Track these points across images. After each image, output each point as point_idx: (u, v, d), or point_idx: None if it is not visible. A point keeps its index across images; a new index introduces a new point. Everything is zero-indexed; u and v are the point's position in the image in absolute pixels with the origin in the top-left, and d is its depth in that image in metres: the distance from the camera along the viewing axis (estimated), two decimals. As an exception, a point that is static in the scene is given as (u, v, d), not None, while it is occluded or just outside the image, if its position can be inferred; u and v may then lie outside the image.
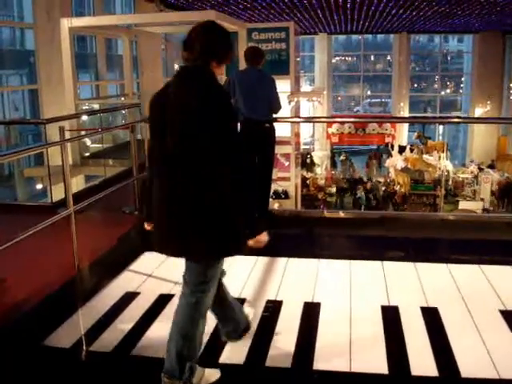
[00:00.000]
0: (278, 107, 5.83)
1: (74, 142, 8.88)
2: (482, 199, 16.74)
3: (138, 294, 4.03)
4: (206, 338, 3.03)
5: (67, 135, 7.64)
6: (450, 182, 18.43)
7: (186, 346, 2.77)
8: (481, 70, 27.39)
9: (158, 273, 4.43)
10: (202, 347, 2.93)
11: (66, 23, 9.68)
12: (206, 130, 2.62)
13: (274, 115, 5.87)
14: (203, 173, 2.67)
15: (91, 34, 13.65)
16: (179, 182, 2.69)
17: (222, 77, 3.58)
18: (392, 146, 22.22)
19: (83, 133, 9.56)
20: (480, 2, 16.94)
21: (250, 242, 2.89)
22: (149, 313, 3.73)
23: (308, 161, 20.11)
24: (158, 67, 14.01)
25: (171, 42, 17.68)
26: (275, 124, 5.92)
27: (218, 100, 2.66)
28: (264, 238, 2.93)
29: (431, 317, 3.59)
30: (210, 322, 3.10)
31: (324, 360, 3.12)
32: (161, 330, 3.44)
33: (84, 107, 11.31)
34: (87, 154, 10.72)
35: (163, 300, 3.89)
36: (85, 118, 10.41)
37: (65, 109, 9.74)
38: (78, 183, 9.62)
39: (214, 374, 2.98)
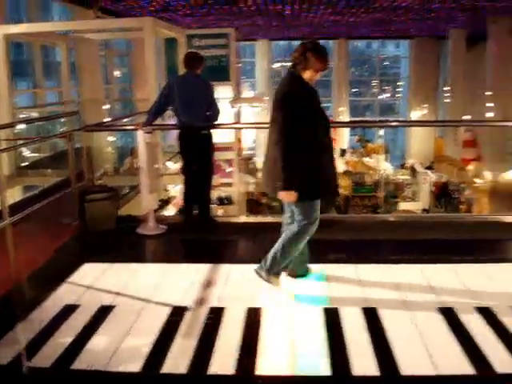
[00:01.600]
0: (216, 114, 5.82)
1: (10, 151, 8.62)
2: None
3: (77, 306, 3.94)
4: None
5: (3, 145, 7.45)
6: (391, 184, 18.86)
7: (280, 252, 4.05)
8: (417, 75, 28.17)
9: (98, 284, 4.35)
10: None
11: (1, 30, 9.42)
12: None
13: (216, 122, 5.87)
14: None
15: (28, 41, 13.32)
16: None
17: None
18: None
19: (20, 142, 9.31)
20: (415, 9, 17.44)
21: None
22: (89, 325, 3.65)
23: (251, 166, 20.18)
24: (96, 74, 13.79)
25: (111, 49, 17.44)
26: (218, 130, 5.94)
27: None
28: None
29: (371, 317, 3.65)
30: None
31: (267, 365, 3.13)
32: (101, 342, 3.39)
33: (22, 116, 11.02)
34: (24, 164, 10.45)
35: (104, 312, 3.82)
36: (22, 126, 10.14)
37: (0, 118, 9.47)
38: (14, 194, 9.36)
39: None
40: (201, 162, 5.83)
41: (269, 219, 6.45)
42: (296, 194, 3.86)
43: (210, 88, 5.85)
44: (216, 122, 5.93)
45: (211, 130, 5.87)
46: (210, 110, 5.78)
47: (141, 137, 5.62)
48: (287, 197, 3.91)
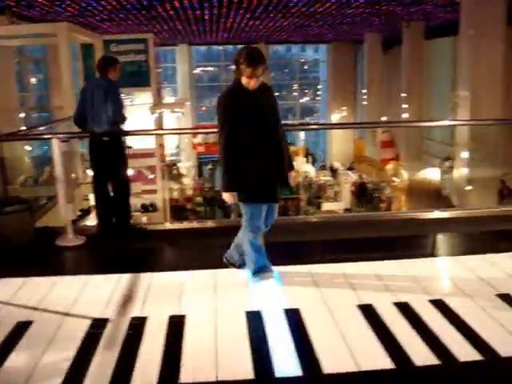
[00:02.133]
0: (120, 119, 5.67)
1: None
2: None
3: (-7, 323, 3.77)
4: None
5: None
6: (314, 185, 19.21)
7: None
8: (335, 78, 28.87)
9: (14, 299, 4.17)
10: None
11: None
12: None
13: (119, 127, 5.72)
14: None
15: None
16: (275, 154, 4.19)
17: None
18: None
19: None
20: (332, 14, 17.84)
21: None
22: (6, 343, 3.50)
23: (175, 172, 20.03)
24: (10, 82, 13.31)
25: (26, 56, 16.86)
26: (139, 136, 5.81)
27: None
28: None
29: (294, 318, 3.69)
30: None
31: (191, 372, 3.10)
32: (19, 360, 3.26)
33: None
34: None
35: (21, 328, 3.67)
36: None
37: None
38: None
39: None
40: (111, 171, 5.70)
41: (194, 225, 6.42)
42: (236, 195, 4.14)
43: (114, 92, 5.68)
44: (127, 128, 5.79)
45: (127, 137, 5.70)
46: (115, 116, 5.61)
47: (56, 146, 5.46)
48: (228, 197, 4.18)
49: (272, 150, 4.12)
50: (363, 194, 18.56)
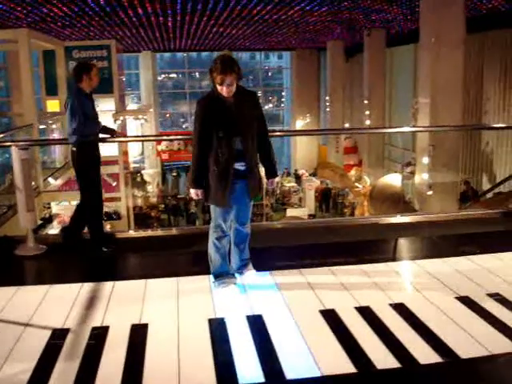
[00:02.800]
0: (68, 129, 5.39)
1: None
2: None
3: None
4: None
5: None
6: (279, 192, 19.31)
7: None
8: (299, 85, 29.11)
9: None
10: None
11: None
12: None
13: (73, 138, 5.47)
14: None
15: None
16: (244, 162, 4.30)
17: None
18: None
19: None
20: (294, 22, 18.01)
21: None
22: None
23: (138, 179, 19.89)
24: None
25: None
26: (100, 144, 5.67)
27: None
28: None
29: (257, 324, 3.70)
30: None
31: (153, 382, 3.07)
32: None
33: None
34: None
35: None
36: None
37: None
38: None
39: None
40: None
41: (158, 233, 6.37)
42: (201, 193, 4.32)
43: (68, 100, 5.45)
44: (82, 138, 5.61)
45: (89, 145, 5.51)
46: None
47: (15, 153, 5.35)
48: (194, 193, 4.40)
49: (239, 157, 4.20)
50: (326, 199, 18.73)
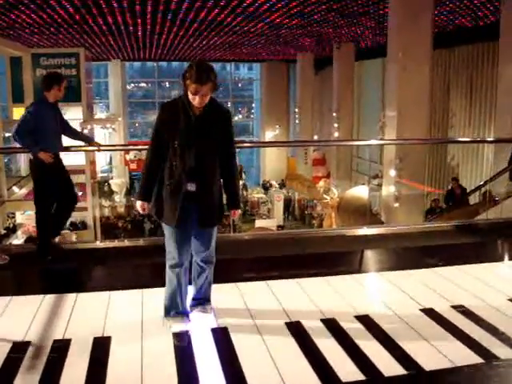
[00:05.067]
0: (12, 131, 5.38)
1: None
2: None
3: None
4: None
5: None
6: (247, 202, 19.33)
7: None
8: (269, 96, 29.26)
9: None
10: None
11: None
12: None
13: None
14: None
15: None
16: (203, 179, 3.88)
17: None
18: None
19: None
20: (264, 34, 18.11)
21: None
22: None
23: (106, 189, 19.68)
24: None
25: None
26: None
27: None
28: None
29: (222, 337, 3.66)
30: None
31: (115, 396, 3.02)
32: None
33: None
34: None
35: None
36: None
37: None
38: None
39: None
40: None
41: (125, 243, 6.29)
42: (148, 207, 3.92)
43: (31, 110, 5.38)
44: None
45: (40, 155, 5.42)
46: None
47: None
48: (139, 206, 3.96)
49: (191, 176, 3.76)
50: (288, 208, 18.87)
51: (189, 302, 4.04)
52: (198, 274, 4.01)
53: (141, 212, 4.01)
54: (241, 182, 21.19)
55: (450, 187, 15.06)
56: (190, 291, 4.07)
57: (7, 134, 12.88)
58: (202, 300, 4.05)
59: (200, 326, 3.83)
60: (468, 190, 14.19)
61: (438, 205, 14.77)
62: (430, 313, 4.10)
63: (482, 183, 12.75)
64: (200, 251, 3.94)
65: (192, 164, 3.72)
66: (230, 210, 4.10)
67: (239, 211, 4.17)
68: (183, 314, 3.91)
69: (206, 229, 3.90)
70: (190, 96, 3.66)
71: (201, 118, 3.76)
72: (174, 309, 3.91)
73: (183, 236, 3.84)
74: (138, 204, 3.95)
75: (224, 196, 4.01)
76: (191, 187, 3.74)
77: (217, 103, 3.89)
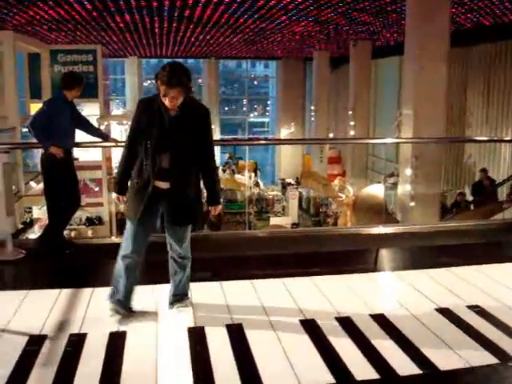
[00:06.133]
0: (28, 122, 5.58)
1: None
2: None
3: None
4: None
5: None
6: (263, 200, 19.34)
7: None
8: (284, 94, 29.19)
9: None
10: None
11: None
12: None
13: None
14: None
15: None
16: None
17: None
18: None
19: None
20: (281, 31, 18.08)
21: None
22: None
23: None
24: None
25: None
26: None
27: None
28: None
29: (236, 333, 3.67)
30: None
31: (130, 390, 3.04)
32: None
33: None
34: None
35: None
36: None
37: None
38: None
39: None
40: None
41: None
42: (123, 199, 4.04)
43: (47, 107, 5.56)
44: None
45: (51, 149, 5.48)
46: None
47: (-4, 157, 5.30)
48: (115, 198, 4.13)
49: (164, 175, 3.80)
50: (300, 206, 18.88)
51: (166, 299, 4.11)
52: (175, 270, 4.05)
53: (116, 201, 4.20)
54: (253, 180, 21.18)
55: (477, 179, 14.88)
56: (167, 289, 4.15)
57: (24, 130, 12.99)
58: (181, 296, 4.07)
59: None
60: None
61: (464, 198, 14.60)
62: (445, 313, 4.07)
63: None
64: (175, 248, 4.00)
65: (166, 165, 3.76)
66: (210, 207, 4.14)
67: (219, 206, 4.20)
68: (124, 305, 3.95)
69: (179, 227, 3.94)
70: (162, 97, 3.66)
71: (176, 119, 3.75)
72: (116, 295, 3.96)
73: (141, 233, 3.92)
74: (114, 196, 4.15)
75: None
76: (164, 185, 3.80)
77: (194, 102, 3.88)
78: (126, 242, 3.95)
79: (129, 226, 3.93)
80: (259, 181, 22.44)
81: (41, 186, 13.51)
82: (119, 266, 3.97)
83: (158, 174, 3.76)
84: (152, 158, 3.74)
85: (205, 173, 3.97)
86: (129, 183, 4.00)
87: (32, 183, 13.46)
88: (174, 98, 3.62)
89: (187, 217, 3.95)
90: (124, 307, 3.94)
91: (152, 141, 3.72)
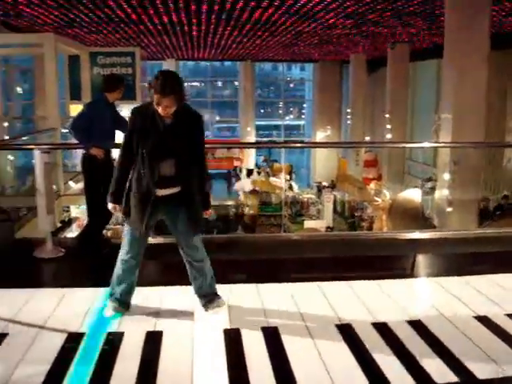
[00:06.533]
0: (70, 125, 5.67)
1: None
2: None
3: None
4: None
5: None
6: (297, 203, 19.29)
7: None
8: (321, 97, 29.07)
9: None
10: None
11: None
12: None
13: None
14: None
15: None
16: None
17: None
18: (240, 170, 22.80)
19: None
20: (318, 34, 18.02)
21: None
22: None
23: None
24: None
25: (12, 65, 16.77)
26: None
27: None
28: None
29: (272, 336, 3.68)
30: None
31: (166, 389, 3.07)
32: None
33: None
34: None
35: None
36: None
37: None
38: None
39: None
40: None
41: (168, 240, 6.36)
42: (119, 208, 4.00)
43: (87, 109, 5.71)
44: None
45: (92, 150, 5.54)
46: None
47: (38, 157, 5.42)
48: (111, 208, 4.05)
49: (167, 182, 3.86)
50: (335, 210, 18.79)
51: (195, 300, 4.14)
52: (194, 275, 4.10)
53: (112, 211, 4.14)
54: (287, 183, 21.14)
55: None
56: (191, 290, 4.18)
57: (64, 131, 13.23)
58: (211, 296, 4.11)
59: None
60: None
61: (508, 201, 14.30)
62: (483, 320, 4.00)
63: None
64: (190, 254, 4.05)
65: (166, 173, 3.82)
66: (203, 212, 4.12)
67: (210, 211, 4.19)
68: (123, 303, 4.06)
69: (193, 234, 3.99)
70: (155, 105, 3.72)
71: (171, 127, 3.81)
72: (116, 294, 4.07)
73: (141, 240, 4.03)
74: (110, 206, 4.05)
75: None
76: (164, 192, 3.86)
77: (188, 109, 3.93)
78: (125, 248, 4.02)
79: (129, 232, 3.99)
80: (293, 183, 22.40)
81: (79, 185, 13.73)
82: (119, 268, 4.06)
83: (157, 182, 3.82)
84: (150, 166, 3.78)
85: (197, 176, 3.98)
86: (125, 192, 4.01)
87: (71, 183, 13.67)
88: (167, 106, 3.69)
89: (199, 223, 4.03)
90: (123, 305, 4.05)
91: (147, 149, 3.76)
